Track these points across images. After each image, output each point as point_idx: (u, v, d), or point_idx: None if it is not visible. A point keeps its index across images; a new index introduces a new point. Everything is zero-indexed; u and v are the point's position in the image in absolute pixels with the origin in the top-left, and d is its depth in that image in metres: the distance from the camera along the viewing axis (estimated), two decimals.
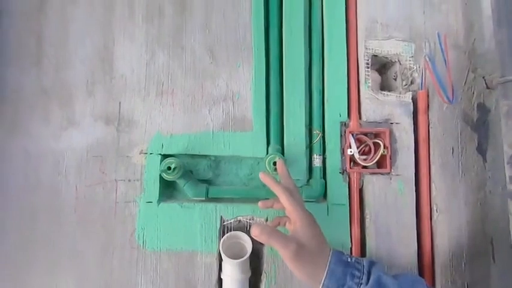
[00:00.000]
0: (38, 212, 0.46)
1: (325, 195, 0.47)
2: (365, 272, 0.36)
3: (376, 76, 0.53)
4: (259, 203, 0.43)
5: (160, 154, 0.47)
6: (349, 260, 0.37)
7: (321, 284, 0.35)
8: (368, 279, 0.36)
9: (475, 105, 0.49)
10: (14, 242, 0.45)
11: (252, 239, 0.44)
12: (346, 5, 0.50)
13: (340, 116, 0.48)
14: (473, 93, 0.49)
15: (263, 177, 0.41)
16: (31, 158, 0.47)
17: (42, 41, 0.49)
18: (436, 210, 0.46)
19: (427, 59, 0.45)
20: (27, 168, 0.47)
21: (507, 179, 0.41)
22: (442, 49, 0.46)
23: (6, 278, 0.45)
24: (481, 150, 0.48)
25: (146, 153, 0.47)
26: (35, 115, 0.47)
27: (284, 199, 0.38)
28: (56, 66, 0.48)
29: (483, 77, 0.48)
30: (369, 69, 0.49)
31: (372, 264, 0.38)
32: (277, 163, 0.43)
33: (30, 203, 0.46)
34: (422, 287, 0.37)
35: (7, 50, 0.48)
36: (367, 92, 0.49)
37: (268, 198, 0.46)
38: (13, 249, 0.45)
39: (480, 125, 0.48)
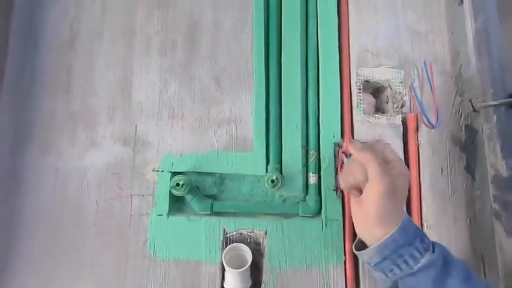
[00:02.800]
0: (63, 224, 0.52)
1: (320, 211, 0.51)
2: (431, 243, 0.36)
3: (371, 99, 0.57)
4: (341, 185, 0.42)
5: (170, 172, 0.52)
6: (419, 227, 0.37)
7: (389, 234, 0.34)
8: (433, 250, 0.35)
9: (463, 127, 0.51)
10: (43, 250, 0.51)
11: (252, 250, 0.49)
12: (339, 35, 0.55)
13: (334, 137, 0.52)
14: (461, 115, 0.52)
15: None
16: (59, 174, 0.53)
17: (72, 72, 0.56)
18: (427, 226, 0.49)
19: (412, 87, 0.49)
20: (56, 184, 0.53)
21: (491, 198, 0.44)
22: (428, 76, 0.50)
23: (36, 283, 0.50)
24: (470, 169, 0.50)
25: (158, 171, 0.53)
26: (64, 137, 0.54)
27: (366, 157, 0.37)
28: (83, 94, 0.55)
29: (470, 100, 0.51)
30: (361, 94, 0.54)
31: (434, 241, 0.37)
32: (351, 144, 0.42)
33: (57, 215, 0.52)
34: (475, 275, 0.36)
35: (42, 80, 0.56)
36: (360, 115, 0.53)
37: (268, 213, 0.50)
38: (42, 257, 0.51)
39: (468, 145, 0.51)
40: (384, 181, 0.35)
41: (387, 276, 0.35)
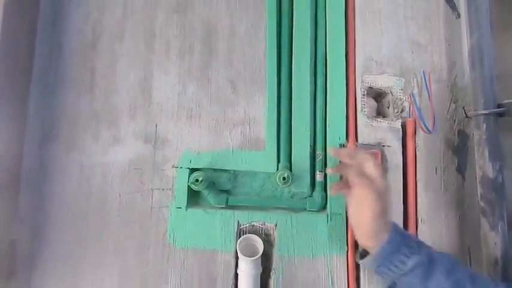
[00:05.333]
0: (89, 215, 0.56)
1: (325, 206, 0.56)
2: (417, 244, 0.42)
3: (373, 103, 0.62)
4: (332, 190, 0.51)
5: (188, 168, 0.57)
6: (404, 232, 0.44)
7: (380, 246, 0.41)
8: (420, 250, 0.41)
9: (456, 132, 0.57)
10: (70, 239, 0.55)
11: (263, 240, 0.53)
12: (346, 45, 0.59)
13: (339, 138, 0.57)
14: (455, 121, 0.57)
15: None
16: (84, 169, 0.57)
17: (95, 73, 0.59)
18: (421, 221, 0.54)
19: (412, 95, 0.54)
20: (81, 178, 0.57)
21: (478, 196, 0.49)
22: (426, 84, 0.55)
23: (64, 269, 0.55)
24: (460, 170, 0.56)
25: (177, 167, 0.57)
26: (88, 134, 0.58)
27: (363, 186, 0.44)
28: (105, 94, 0.59)
29: (463, 108, 0.57)
30: (365, 99, 0.58)
31: (421, 241, 0.43)
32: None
33: (83, 207, 0.56)
34: (463, 266, 0.42)
35: (66, 80, 0.59)
36: (363, 119, 0.57)
37: (278, 207, 0.56)
38: (69, 246, 0.55)
39: (460, 148, 0.56)
40: (379, 205, 0.42)
41: (385, 277, 0.43)
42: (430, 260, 0.40)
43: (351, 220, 0.49)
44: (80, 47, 0.60)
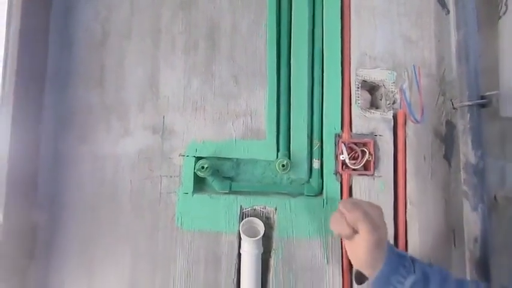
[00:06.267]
0: (102, 201, 0.60)
1: (321, 191, 0.60)
2: (411, 262, 0.44)
3: (367, 95, 0.66)
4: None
5: (194, 156, 0.61)
6: (399, 252, 0.46)
7: (379, 269, 0.42)
8: (414, 269, 0.43)
9: (444, 122, 0.61)
10: (85, 223, 0.60)
11: (264, 223, 0.58)
12: (342, 40, 0.62)
13: (335, 129, 0.61)
14: (443, 112, 0.61)
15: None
16: (97, 159, 0.61)
17: (104, 68, 0.63)
18: (410, 203, 0.59)
19: (402, 89, 0.57)
20: (94, 167, 0.61)
21: (462, 181, 0.53)
22: (416, 78, 0.58)
23: (81, 251, 0.59)
24: (447, 157, 0.60)
25: (184, 156, 0.61)
26: (100, 126, 0.62)
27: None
28: (115, 88, 0.63)
29: (450, 100, 0.60)
30: (359, 92, 0.62)
31: (413, 258, 0.46)
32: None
33: (97, 193, 0.60)
34: (453, 279, 0.44)
35: (78, 76, 0.63)
36: (357, 110, 0.61)
37: (278, 192, 0.60)
38: (84, 230, 0.60)
39: (447, 137, 0.60)
40: (374, 236, 0.43)
41: None
42: (425, 277, 0.43)
43: (348, 252, 0.48)
44: (90, 44, 0.64)
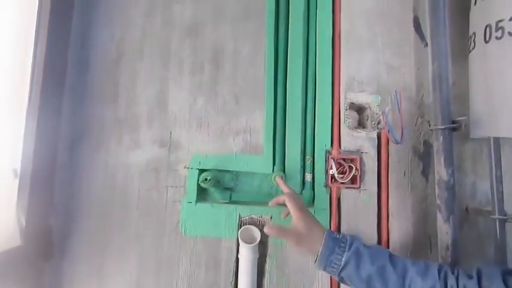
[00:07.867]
0: (113, 207, 0.66)
1: (313, 202, 0.67)
2: (348, 243, 0.52)
3: (355, 115, 0.73)
4: (269, 203, 0.61)
5: (198, 169, 0.67)
6: (337, 236, 0.54)
7: (319, 252, 0.51)
8: (350, 248, 0.52)
9: (422, 142, 0.68)
10: (97, 227, 0.65)
11: (260, 231, 0.64)
12: (332, 66, 0.70)
13: (325, 146, 0.68)
14: (421, 133, 0.68)
15: (278, 180, 0.62)
16: (108, 168, 0.67)
17: (118, 86, 0.69)
18: (391, 215, 0.65)
19: (383, 113, 0.65)
20: (106, 176, 0.67)
21: (436, 195, 0.60)
22: (397, 102, 0.66)
23: (92, 254, 0.64)
24: (424, 174, 0.67)
25: (188, 168, 0.67)
26: (112, 138, 0.68)
27: (286, 200, 0.57)
28: (127, 104, 0.69)
29: (428, 121, 0.68)
30: (348, 113, 0.69)
31: (354, 238, 0.54)
32: (276, 178, 0.63)
33: (108, 200, 0.66)
34: (387, 254, 0.52)
35: (93, 92, 0.69)
36: (346, 130, 0.68)
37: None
38: (96, 233, 0.65)
39: (425, 156, 0.67)
40: (290, 239, 0.53)
41: (333, 273, 0.52)
42: (357, 253, 0.51)
43: (293, 239, 0.55)
44: (105, 63, 0.70)
